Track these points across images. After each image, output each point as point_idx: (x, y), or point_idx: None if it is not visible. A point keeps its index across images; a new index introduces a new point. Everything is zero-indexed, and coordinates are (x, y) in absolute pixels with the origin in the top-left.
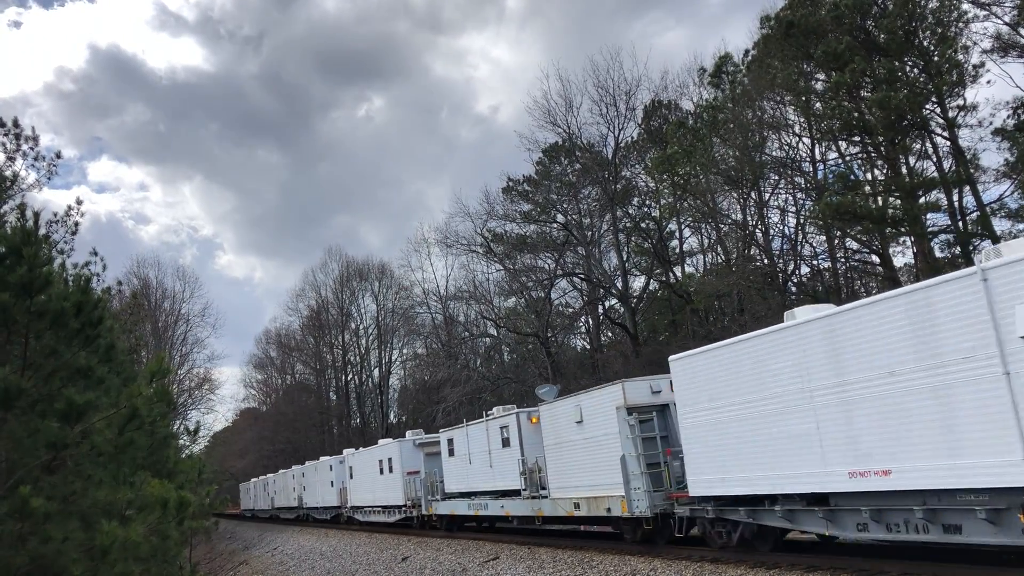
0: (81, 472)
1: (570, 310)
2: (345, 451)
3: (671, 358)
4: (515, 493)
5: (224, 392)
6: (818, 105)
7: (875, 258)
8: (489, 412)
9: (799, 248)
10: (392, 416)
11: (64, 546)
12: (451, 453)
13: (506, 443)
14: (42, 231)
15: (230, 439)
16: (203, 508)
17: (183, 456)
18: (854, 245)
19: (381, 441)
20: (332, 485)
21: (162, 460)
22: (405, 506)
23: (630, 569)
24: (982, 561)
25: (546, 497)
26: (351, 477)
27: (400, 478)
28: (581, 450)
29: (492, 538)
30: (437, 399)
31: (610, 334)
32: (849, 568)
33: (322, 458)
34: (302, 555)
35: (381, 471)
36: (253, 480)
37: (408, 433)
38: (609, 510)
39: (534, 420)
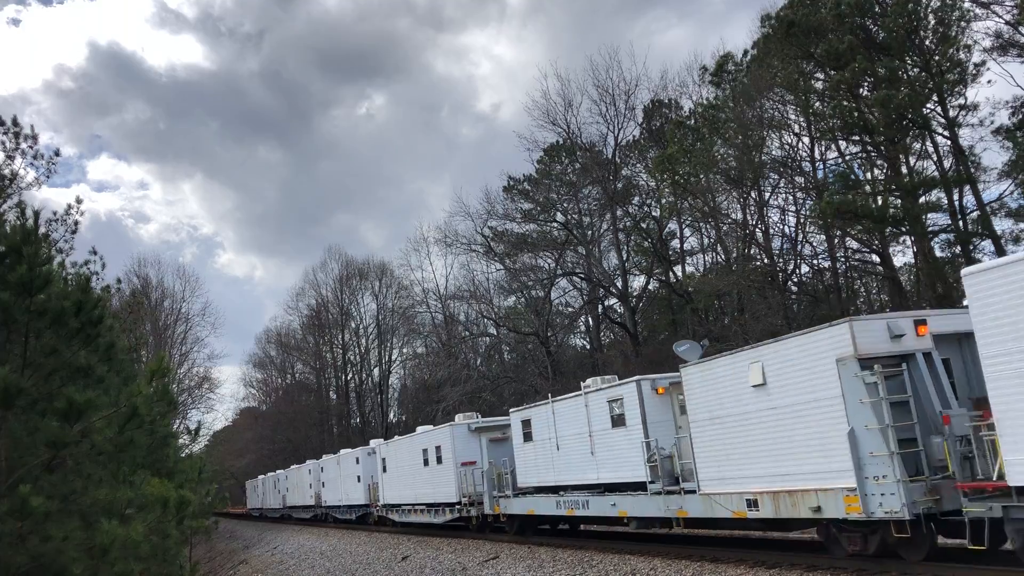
0: (81, 471)
1: (570, 309)
2: (373, 442)
3: (966, 272)
4: (633, 487)
5: (224, 391)
6: (818, 104)
7: (875, 257)
8: (585, 384)
9: (799, 247)
10: (392, 415)
11: (64, 545)
12: (527, 438)
13: (618, 422)
14: (41, 230)
15: (230, 438)
16: (203, 507)
17: (183, 455)
18: (854, 244)
19: (420, 429)
20: (359, 480)
21: (162, 459)
22: (459, 504)
23: (630, 568)
24: (983, 561)
25: (692, 493)
26: (384, 471)
27: (452, 470)
28: (761, 425)
29: (492, 537)
30: (437, 398)
31: (610, 334)
32: (849, 568)
33: (343, 451)
34: (302, 554)
35: (426, 462)
36: (261, 477)
37: (458, 417)
38: (819, 509)
39: (661, 390)
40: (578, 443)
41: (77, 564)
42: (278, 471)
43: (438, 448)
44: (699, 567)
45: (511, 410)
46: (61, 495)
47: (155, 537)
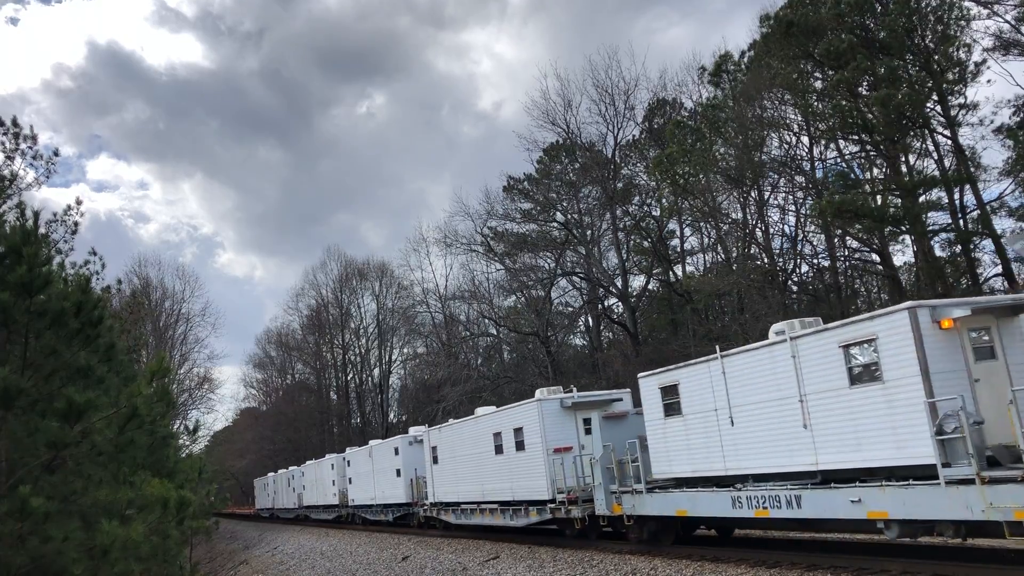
0: (81, 471)
1: (570, 309)
2: (413, 429)
3: None
4: (900, 474)
5: (224, 391)
6: (817, 104)
7: (875, 257)
8: (778, 329)
9: (799, 247)
10: (392, 415)
11: (64, 546)
12: (671, 411)
13: (865, 375)
14: (41, 231)
15: (230, 439)
16: (204, 508)
17: (183, 456)
18: (854, 244)
19: (480, 410)
20: (399, 475)
21: (162, 460)
22: (552, 502)
23: (630, 568)
24: (983, 560)
25: None
26: (434, 462)
27: (541, 458)
28: None
29: (492, 537)
30: (437, 398)
31: (610, 333)
32: (850, 567)
33: (375, 442)
34: (302, 554)
35: (498, 449)
36: (272, 474)
37: (539, 392)
38: None
39: (947, 323)
40: (773, 413)
41: (77, 565)
42: (291, 467)
43: (518, 431)
44: (699, 567)
45: (640, 375)
46: (61, 496)
47: (155, 537)
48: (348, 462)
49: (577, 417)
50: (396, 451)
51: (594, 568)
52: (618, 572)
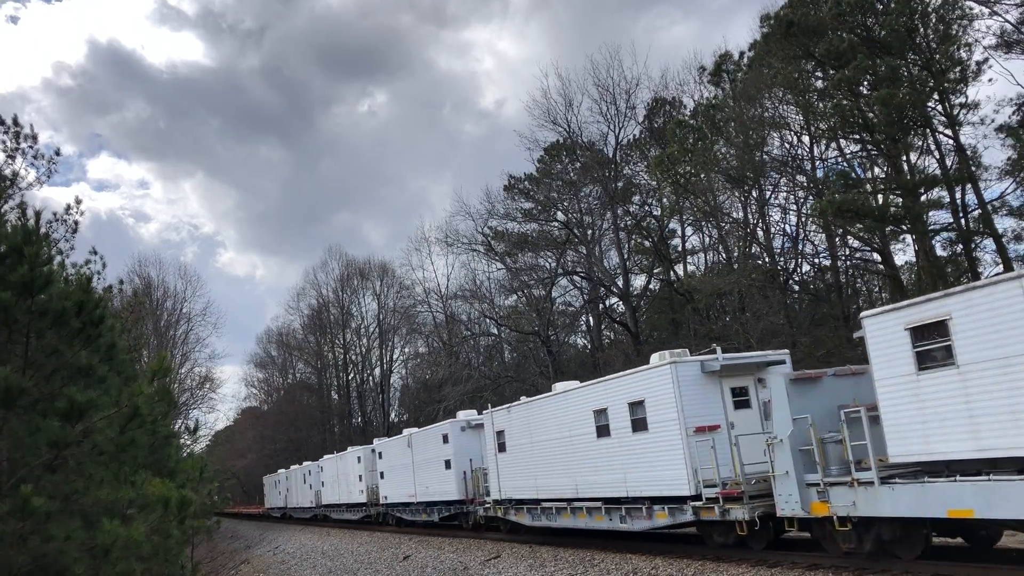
0: (82, 471)
1: (571, 308)
2: (463, 413)
3: None
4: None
5: (225, 391)
6: (818, 103)
7: (876, 256)
8: None
9: (800, 246)
10: (393, 415)
11: (66, 545)
12: (932, 361)
13: None
14: (42, 230)
15: (231, 438)
16: (205, 507)
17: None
18: (855, 243)
19: (560, 386)
20: (447, 467)
21: (163, 459)
22: (695, 500)
23: (631, 567)
24: (983, 560)
25: None
26: (500, 450)
27: (678, 441)
28: None
29: (492, 536)
30: (438, 398)
31: (611, 333)
32: (850, 567)
33: (411, 430)
34: (303, 554)
35: (603, 431)
36: (282, 471)
37: (659, 356)
38: None
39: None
40: None
41: (79, 564)
42: (306, 463)
43: (637, 406)
44: (700, 566)
45: (865, 315)
46: (63, 495)
47: (156, 537)
48: (379, 454)
49: (723, 386)
50: (445, 439)
51: (595, 567)
52: (619, 571)
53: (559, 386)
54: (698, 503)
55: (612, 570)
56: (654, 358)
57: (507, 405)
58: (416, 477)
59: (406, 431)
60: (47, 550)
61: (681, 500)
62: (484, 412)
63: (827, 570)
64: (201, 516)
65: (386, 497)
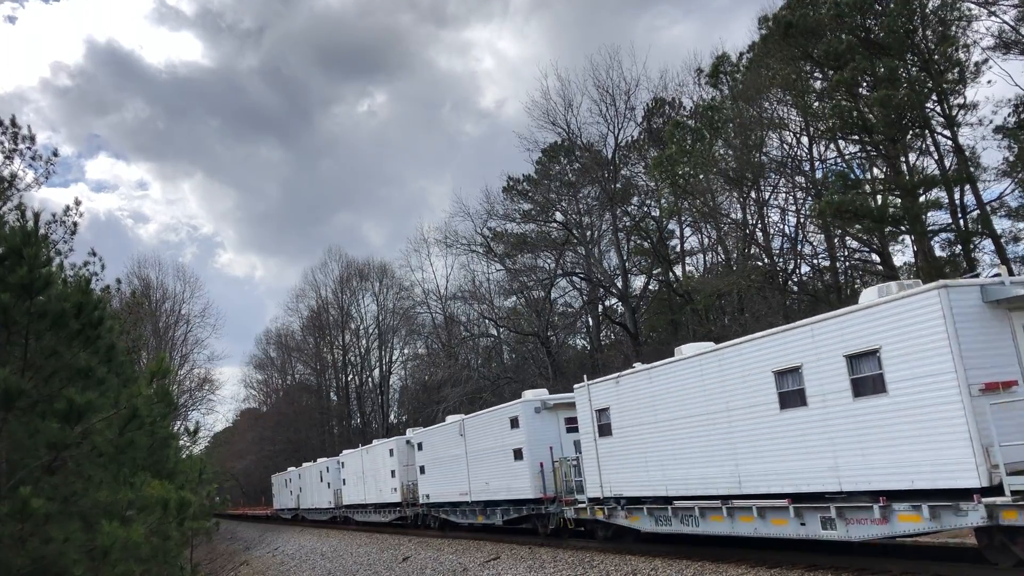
0: (82, 473)
1: (570, 310)
2: (530, 392)
3: None
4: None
5: (224, 392)
6: (817, 104)
7: (875, 257)
8: None
9: (799, 247)
10: (392, 416)
11: (65, 547)
12: None
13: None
14: (40, 231)
15: (231, 439)
16: (203, 508)
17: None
18: (854, 244)
19: (689, 348)
20: (519, 458)
21: (162, 461)
22: (985, 492)
23: (631, 569)
24: (984, 560)
25: None
26: (601, 434)
27: (955, 405)
28: None
29: (493, 538)
30: (437, 399)
31: (610, 334)
32: (850, 567)
33: (454, 417)
34: (303, 555)
35: (788, 400)
36: (293, 469)
37: (884, 290)
38: None
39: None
40: None
41: (78, 566)
42: (321, 459)
43: (861, 358)
44: (700, 567)
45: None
46: (62, 497)
47: (156, 539)
48: (418, 445)
49: (1016, 324)
50: (514, 423)
51: (594, 569)
52: (619, 573)
53: (691, 348)
54: (996, 499)
55: (612, 571)
56: (884, 290)
57: (613, 375)
58: (471, 471)
59: (452, 417)
60: (46, 552)
61: (957, 495)
62: (577, 386)
63: (826, 570)
64: (200, 517)
65: (427, 496)
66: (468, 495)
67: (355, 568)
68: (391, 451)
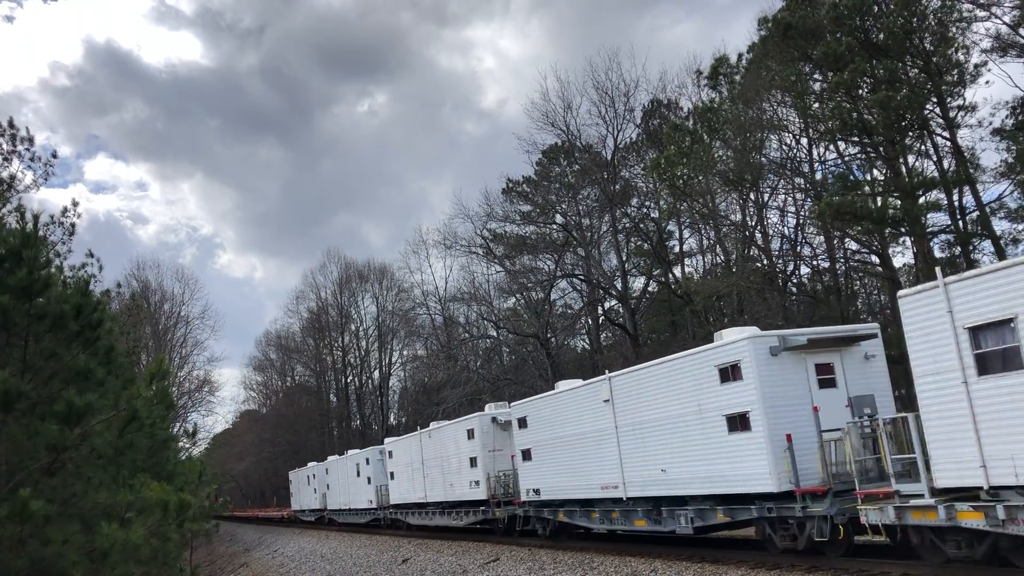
0: (81, 474)
1: (570, 311)
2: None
3: None
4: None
5: (224, 394)
6: (816, 106)
7: (875, 258)
8: None
9: (799, 248)
10: (392, 418)
11: (64, 548)
12: None
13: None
14: (39, 233)
15: (230, 441)
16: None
17: (183, 458)
18: (854, 245)
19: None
20: (707, 438)
21: (162, 462)
22: None
23: (631, 570)
24: (984, 561)
25: None
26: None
27: None
28: None
29: (492, 539)
30: (437, 400)
31: (610, 335)
32: (850, 569)
33: (568, 384)
34: (303, 557)
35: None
36: (314, 464)
37: None
38: None
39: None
40: None
41: (77, 567)
42: (352, 451)
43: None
44: (700, 568)
45: None
46: (61, 498)
47: (155, 540)
48: (519, 423)
49: None
50: (703, 368)
51: (594, 570)
52: (619, 574)
53: (564, 384)
54: None
55: (612, 573)
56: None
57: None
58: (626, 454)
59: (568, 384)
60: (46, 553)
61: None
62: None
63: (827, 571)
64: (200, 519)
65: (535, 491)
66: (620, 488)
67: (355, 570)
68: (470, 432)
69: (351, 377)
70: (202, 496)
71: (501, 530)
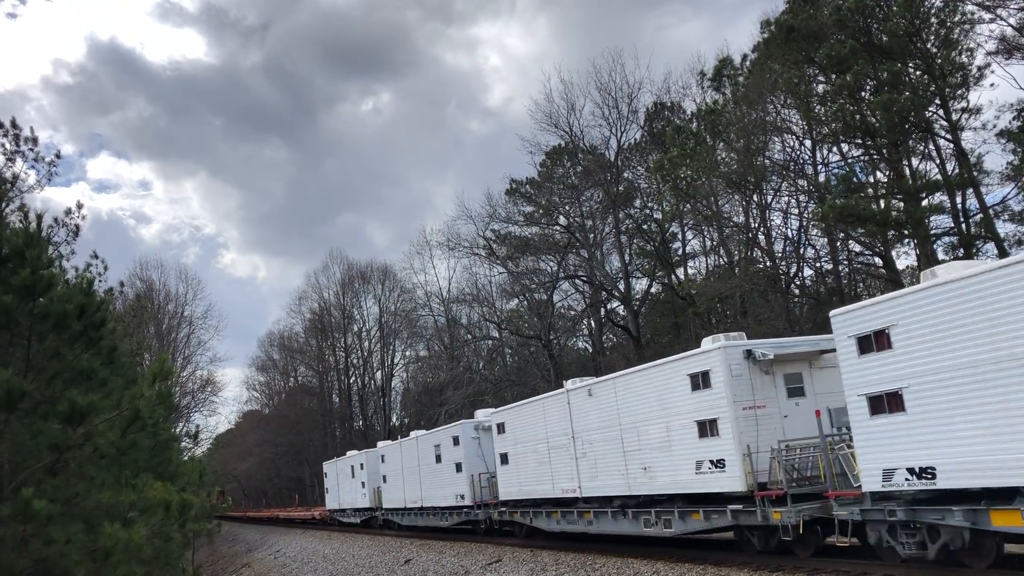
0: (84, 474)
1: (572, 312)
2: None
3: None
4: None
5: (227, 394)
6: (819, 108)
7: (878, 260)
8: None
9: (802, 250)
10: (395, 418)
11: (67, 548)
12: None
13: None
14: (43, 233)
15: (233, 441)
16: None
17: (185, 458)
18: (857, 247)
19: None
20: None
21: (164, 462)
22: None
23: (632, 572)
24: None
25: None
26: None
27: None
28: None
29: (494, 540)
30: (440, 401)
31: (612, 336)
32: (852, 572)
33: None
34: (304, 557)
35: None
36: (356, 453)
37: None
38: None
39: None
40: None
41: (80, 567)
42: (416, 432)
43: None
44: (702, 570)
45: None
46: (64, 498)
47: (157, 540)
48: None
49: None
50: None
51: (596, 571)
52: (620, 575)
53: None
54: None
55: (614, 574)
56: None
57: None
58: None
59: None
60: (48, 553)
61: None
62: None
63: (828, 574)
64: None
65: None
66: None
67: (357, 571)
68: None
69: (354, 378)
70: (204, 496)
71: (483, 531)
